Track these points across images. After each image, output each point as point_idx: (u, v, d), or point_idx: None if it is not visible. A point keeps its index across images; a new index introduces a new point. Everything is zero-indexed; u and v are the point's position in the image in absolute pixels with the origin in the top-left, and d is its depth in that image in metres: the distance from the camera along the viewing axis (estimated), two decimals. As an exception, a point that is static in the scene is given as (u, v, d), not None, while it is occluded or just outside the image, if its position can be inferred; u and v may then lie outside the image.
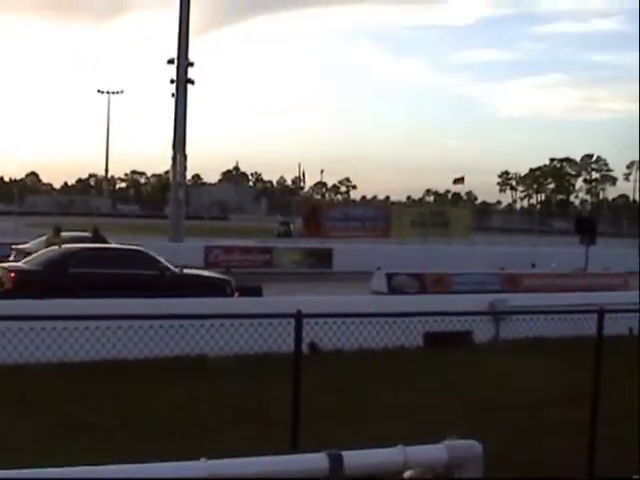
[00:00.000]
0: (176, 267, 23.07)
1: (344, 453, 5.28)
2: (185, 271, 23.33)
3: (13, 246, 30.24)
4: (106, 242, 28.47)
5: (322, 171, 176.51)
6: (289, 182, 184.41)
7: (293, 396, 7.65)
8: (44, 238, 26.70)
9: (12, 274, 21.43)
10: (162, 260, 23.04)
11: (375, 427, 10.15)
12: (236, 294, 22.55)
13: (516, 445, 9.78)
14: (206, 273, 24.98)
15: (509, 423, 10.87)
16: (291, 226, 63.03)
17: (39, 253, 23.64)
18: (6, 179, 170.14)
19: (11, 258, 29.33)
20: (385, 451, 5.53)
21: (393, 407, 11.80)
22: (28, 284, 20.74)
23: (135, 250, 23.66)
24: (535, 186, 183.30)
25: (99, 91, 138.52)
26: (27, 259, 23.30)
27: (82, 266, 21.52)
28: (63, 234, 28.55)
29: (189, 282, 22.30)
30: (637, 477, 6.46)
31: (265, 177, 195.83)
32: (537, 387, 13.29)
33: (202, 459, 4.95)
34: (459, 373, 14.33)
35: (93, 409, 11.27)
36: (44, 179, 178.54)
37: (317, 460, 5.25)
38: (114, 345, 13.08)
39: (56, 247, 23.70)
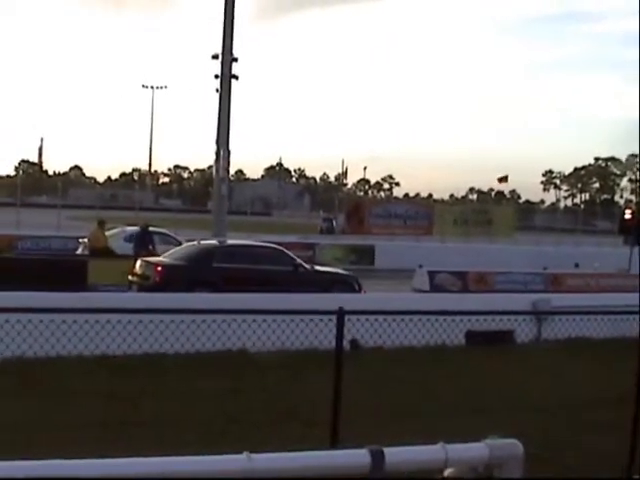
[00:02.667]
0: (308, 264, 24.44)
1: (386, 449, 5.30)
2: (316, 268, 24.81)
3: (81, 240, 30.72)
4: (152, 238, 28.92)
5: (365, 168, 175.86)
6: (332, 179, 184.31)
7: (334, 393, 7.66)
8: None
9: (159, 268, 22.15)
10: (296, 258, 24.26)
11: (416, 425, 10.15)
12: (363, 290, 23.81)
13: (557, 445, 9.75)
14: (335, 270, 26.30)
15: (550, 423, 10.83)
16: (334, 223, 63.02)
17: (180, 247, 25.10)
18: (50, 172, 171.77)
19: (79, 252, 29.92)
20: (426, 448, 5.53)
21: (434, 405, 11.79)
22: (174, 278, 21.48)
23: (273, 248, 24.95)
24: (579, 185, 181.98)
25: (144, 86, 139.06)
26: (168, 253, 24.42)
27: (225, 261, 22.37)
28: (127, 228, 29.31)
29: (320, 278, 23.49)
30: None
31: (308, 173, 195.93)
32: (578, 387, 13.21)
33: (244, 453, 4.98)
34: (500, 372, 14.29)
35: (133, 404, 11.33)
36: (88, 173, 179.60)
37: (359, 456, 5.26)
38: (156, 339, 13.17)
39: (196, 242, 24.99)
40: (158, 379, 12.75)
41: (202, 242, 24.92)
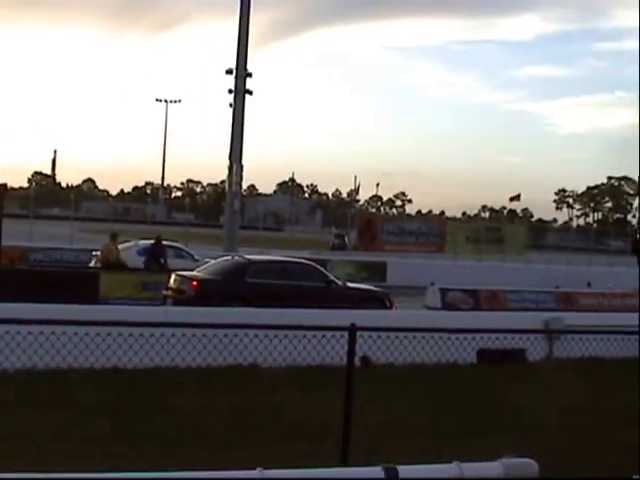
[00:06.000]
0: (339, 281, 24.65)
1: (400, 467, 5.26)
2: (349, 284, 24.96)
3: (93, 252, 30.84)
4: (164, 251, 29.06)
5: (378, 184, 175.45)
6: (344, 195, 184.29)
7: (344, 409, 7.63)
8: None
9: (194, 283, 22.15)
10: (329, 274, 24.72)
11: (427, 443, 10.10)
12: (395, 307, 24.07)
13: (570, 465, 9.67)
14: (366, 286, 26.47)
15: (564, 443, 10.75)
16: (346, 239, 63.00)
17: (215, 262, 25.15)
18: (63, 185, 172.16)
19: (91, 264, 30.06)
20: (441, 467, 5.49)
21: (446, 423, 11.73)
22: (209, 293, 21.63)
23: (306, 264, 25.28)
24: (592, 204, 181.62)
25: (157, 100, 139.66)
26: (201, 267, 24.68)
27: (258, 277, 22.46)
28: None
29: (352, 295, 23.74)
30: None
31: (321, 189, 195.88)
32: (591, 407, 13.13)
33: (258, 469, 4.95)
34: (512, 390, 14.22)
35: (143, 417, 11.29)
36: (101, 186, 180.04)
37: (373, 473, 5.22)
38: (168, 352, 13.16)
39: (229, 257, 25.43)
40: (169, 393, 12.71)
41: (236, 257, 25.07)
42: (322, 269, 25.10)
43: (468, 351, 16.15)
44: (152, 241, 30.13)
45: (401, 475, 5.22)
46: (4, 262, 29.74)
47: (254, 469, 4.99)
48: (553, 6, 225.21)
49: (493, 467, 5.55)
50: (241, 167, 46.73)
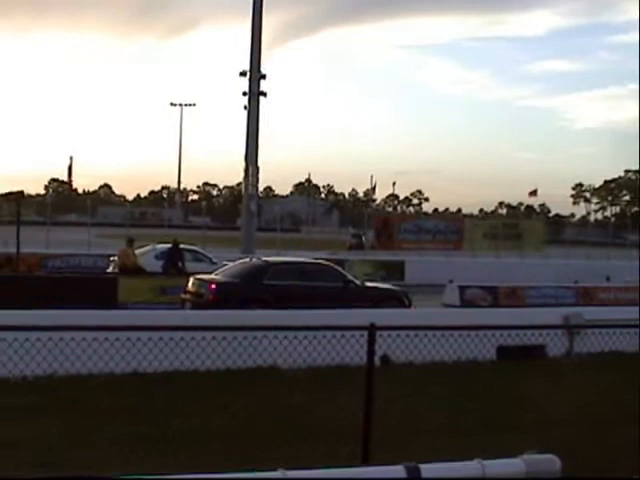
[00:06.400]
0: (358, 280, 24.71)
1: (421, 466, 5.24)
2: (367, 284, 25.08)
3: (112, 257, 30.91)
4: (182, 255, 29.12)
5: (394, 183, 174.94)
6: (361, 194, 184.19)
7: (365, 409, 7.60)
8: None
9: (213, 286, 22.37)
10: (347, 274, 24.79)
11: (449, 440, 10.07)
12: (413, 306, 24.07)
13: (593, 461, 9.62)
14: (385, 285, 26.55)
15: (586, 438, 10.70)
16: (363, 238, 62.93)
17: (233, 264, 25.14)
18: (80, 191, 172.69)
19: (109, 270, 30.16)
20: (463, 464, 5.47)
21: (467, 421, 11.69)
22: (227, 295, 21.77)
23: (323, 264, 25.40)
24: (610, 198, 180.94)
25: (172, 104, 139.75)
26: (219, 270, 24.75)
27: (276, 278, 22.55)
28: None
29: (370, 294, 23.71)
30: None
31: (337, 189, 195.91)
32: (614, 402, 13.05)
33: (279, 470, 4.94)
34: (533, 387, 14.16)
35: (164, 421, 11.29)
36: (117, 191, 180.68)
37: (394, 472, 5.21)
38: (187, 356, 13.16)
39: (247, 260, 25.44)
40: (189, 396, 12.71)
41: (254, 259, 25.11)
42: (340, 269, 25.09)
43: (488, 348, 16.05)
44: (169, 245, 30.18)
45: (423, 473, 5.21)
46: (22, 269, 29.87)
47: (276, 470, 4.98)
48: (564, 0, 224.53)
49: (515, 464, 5.52)
50: (257, 169, 46.70)
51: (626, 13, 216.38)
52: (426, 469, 5.23)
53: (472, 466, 5.40)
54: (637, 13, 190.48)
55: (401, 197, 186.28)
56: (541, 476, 5.57)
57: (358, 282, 24.30)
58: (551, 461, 5.62)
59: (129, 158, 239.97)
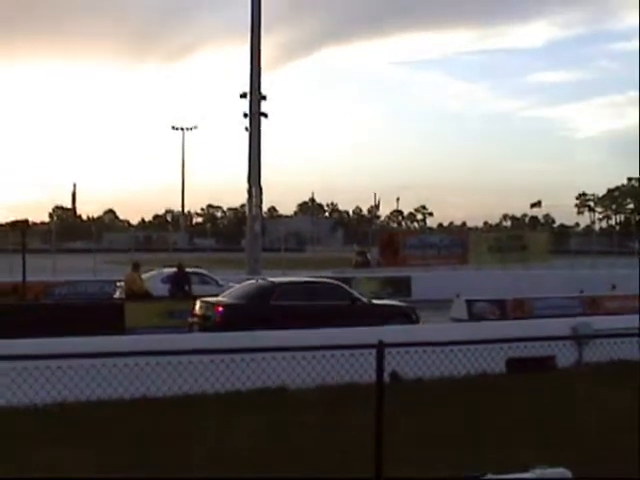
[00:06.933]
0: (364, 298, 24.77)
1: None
2: (374, 301, 25.14)
3: (118, 283, 30.96)
4: (189, 278, 29.15)
5: (398, 199, 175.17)
6: (365, 211, 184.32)
7: (376, 427, 7.59)
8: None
9: (220, 308, 22.35)
10: (353, 292, 24.80)
11: (461, 455, 10.05)
12: (421, 321, 24.22)
13: (606, 474, 9.58)
14: (392, 302, 26.68)
15: (599, 451, 10.66)
16: (368, 256, 62.93)
17: (239, 286, 25.25)
18: (84, 217, 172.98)
19: (116, 295, 30.23)
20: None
21: (479, 435, 11.66)
22: (234, 317, 21.83)
23: (329, 283, 25.51)
24: (614, 207, 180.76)
25: (173, 128, 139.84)
26: (226, 292, 24.76)
27: (283, 299, 22.57)
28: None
29: (378, 311, 23.83)
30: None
31: (341, 207, 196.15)
32: (626, 414, 12.99)
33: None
34: (544, 399, 14.12)
35: (173, 446, 11.29)
36: (121, 216, 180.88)
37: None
38: (196, 380, 13.15)
39: (253, 281, 25.55)
40: (199, 420, 12.69)
41: (260, 280, 25.14)
42: (346, 287, 25.11)
43: (497, 361, 16.04)
44: (175, 269, 30.21)
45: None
46: (29, 297, 29.90)
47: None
48: (561, 11, 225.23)
49: (526, 478, 5.51)
50: (260, 190, 46.73)
51: (625, 20, 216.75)
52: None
53: (484, 482, 5.40)
54: (637, 20, 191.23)
55: (405, 213, 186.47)
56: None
57: (365, 300, 24.30)
58: (563, 474, 5.62)
59: (132, 183, 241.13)
